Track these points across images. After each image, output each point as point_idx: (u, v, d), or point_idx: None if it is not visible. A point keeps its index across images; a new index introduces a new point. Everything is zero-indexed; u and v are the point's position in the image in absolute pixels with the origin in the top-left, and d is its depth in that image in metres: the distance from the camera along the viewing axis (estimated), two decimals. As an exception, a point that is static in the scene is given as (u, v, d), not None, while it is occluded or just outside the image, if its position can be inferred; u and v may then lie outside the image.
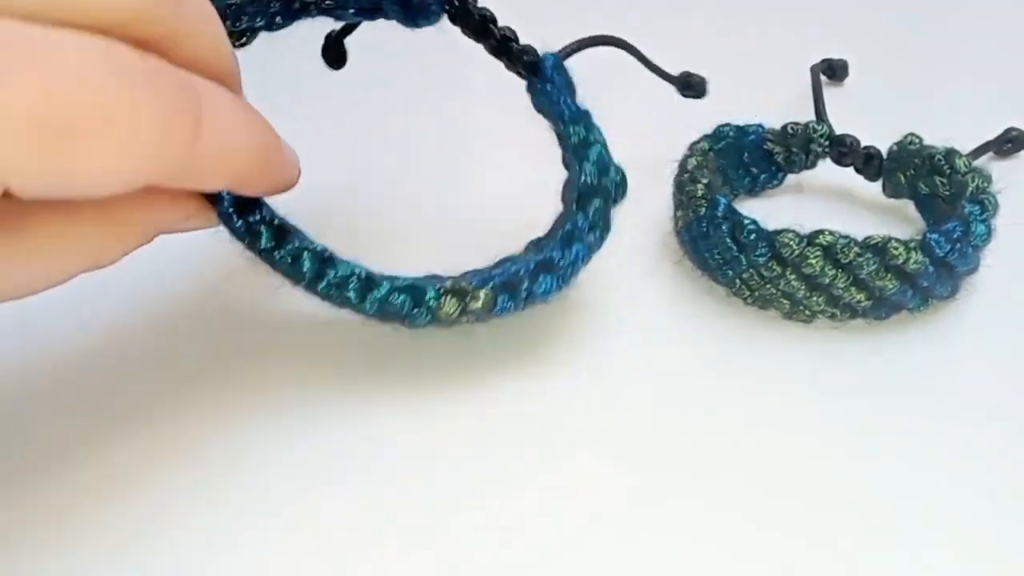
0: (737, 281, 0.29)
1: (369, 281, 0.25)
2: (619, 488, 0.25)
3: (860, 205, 0.34)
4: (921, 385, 0.28)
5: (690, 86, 0.37)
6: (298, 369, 0.28)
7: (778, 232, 0.28)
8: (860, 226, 0.33)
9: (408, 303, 0.25)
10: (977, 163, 0.33)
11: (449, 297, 0.25)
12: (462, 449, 0.26)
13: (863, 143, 0.33)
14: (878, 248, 0.27)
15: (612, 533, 0.24)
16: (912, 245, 0.27)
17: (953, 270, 0.28)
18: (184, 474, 0.25)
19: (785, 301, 0.29)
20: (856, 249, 0.27)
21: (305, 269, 0.25)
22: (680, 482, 0.25)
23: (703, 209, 0.30)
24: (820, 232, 0.28)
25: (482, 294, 0.26)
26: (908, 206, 0.33)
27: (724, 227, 0.29)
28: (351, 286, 0.25)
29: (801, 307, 0.29)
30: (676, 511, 0.24)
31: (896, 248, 0.27)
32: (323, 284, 0.25)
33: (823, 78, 0.42)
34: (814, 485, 0.25)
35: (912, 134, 0.32)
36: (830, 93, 0.42)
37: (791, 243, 0.28)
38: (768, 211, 0.34)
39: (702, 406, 0.27)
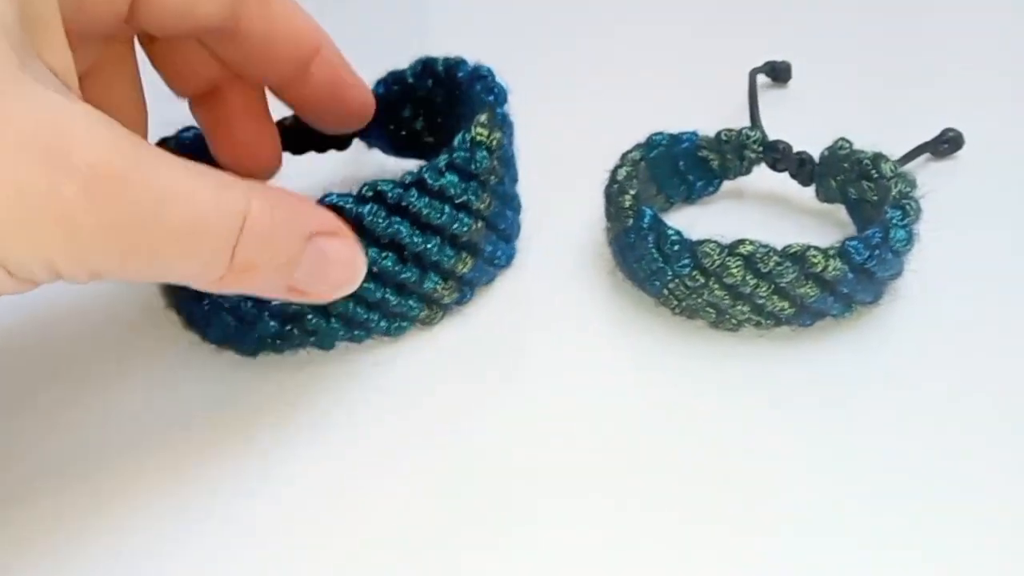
0: (665, 291, 0.29)
1: None
2: (547, 490, 0.25)
3: (796, 210, 0.34)
4: (845, 391, 0.28)
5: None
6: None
7: (700, 243, 0.28)
8: (795, 231, 0.34)
9: None
10: (909, 166, 0.34)
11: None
12: (389, 463, 0.26)
13: (804, 146, 0.33)
14: (797, 256, 0.27)
15: (540, 534, 0.24)
16: (831, 253, 0.27)
17: (874, 276, 0.28)
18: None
19: (711, 310, 0.29)
20: (776, 258, 0.27)
21: None
22: (607, 485, 0.25)
23: (630, 220, 0.30)
24: (740, 242, 0.28)
25: None
26: (841, 210, 0.33)
27: (650, 238, 0.29)
28: None
29: (727, 316, 0.29)
30: (603, 514, 0.24)
31: (815, 256, 0.27)
32: None
33: (768, 80, 0.43)
34: (739, 489, 0.25)
35: (842, 139, 0.32)
36: (775, 96, 0.42)
37: (712, 253, 0.28)
38: (706, 218, 0.35)
39: (631, 413, 0.27)
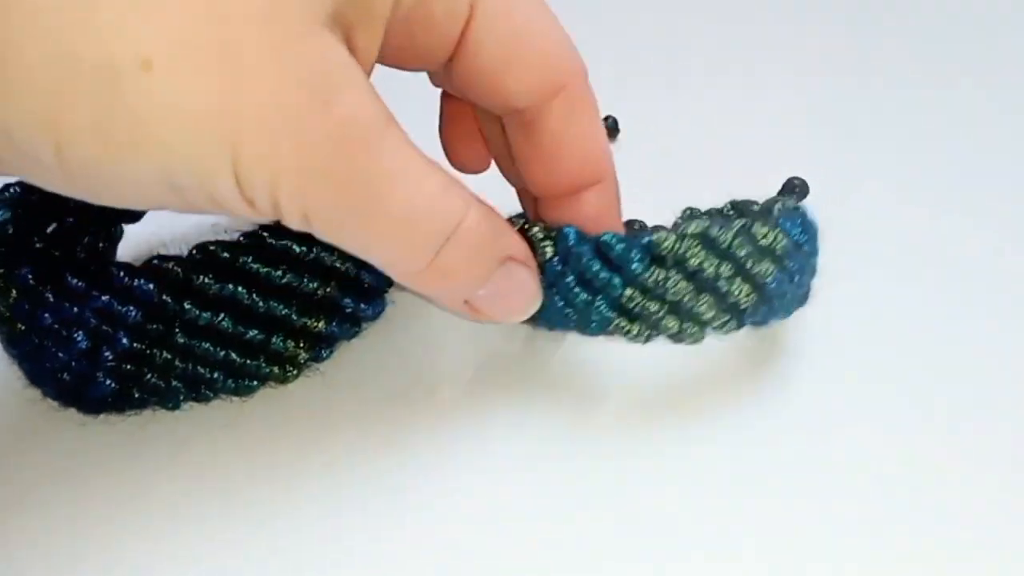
0: (613, 315, 0.27)
1: None
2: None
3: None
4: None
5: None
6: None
7: (647, 234, 0.26)
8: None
9: None
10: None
11: None
12: (227, 530, 0.26)
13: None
14: (747, 230, 0.26)
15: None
16: (771, 225, 0.26)
17: (807, 255, 0.27)
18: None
19: (672, 318, 0.27)
20: (732, 231, 0.26)
21: None
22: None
23: (548, 249, 0.27)
24: (688, 223, 0.26)
25: None
26: None
27: (583, 253, 0.27)
28: None
29: (690, 320, 0.27)
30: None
31: (761, 229, 0.26)
32: None
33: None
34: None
35: (689, 208, 0.30)
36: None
37: (667, 241, 0.26)
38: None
39: (501, 493, 0.27)
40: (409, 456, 0.28)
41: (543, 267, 0.27)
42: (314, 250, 0.28)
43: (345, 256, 0.29)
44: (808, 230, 0.27)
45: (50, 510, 0.26)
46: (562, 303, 0.28)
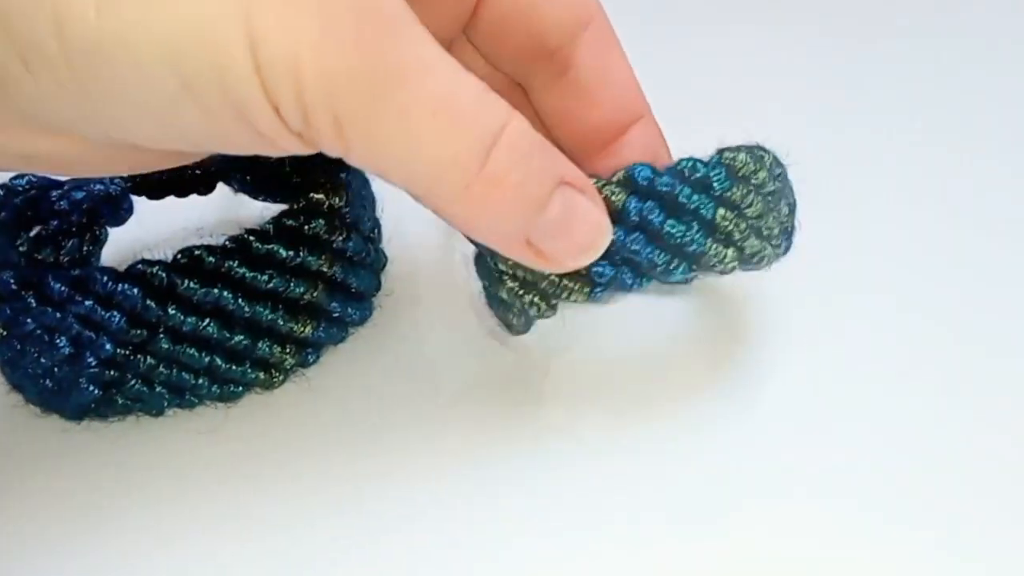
0: (708, 240, 0.26)
1: None
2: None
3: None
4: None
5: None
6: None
7: (718, 154, 0.26)
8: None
9: None
10: None
11: None
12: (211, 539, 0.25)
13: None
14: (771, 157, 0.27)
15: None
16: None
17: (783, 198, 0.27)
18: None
19: (754, 237, 0.27)
20: (770, 155, 0.26)
21: None
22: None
23: (619, 194, 0.26)
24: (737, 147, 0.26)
25: None
26: None
27: (667, 181, 0.26)
28: None
29: (763, 238, 0.27)
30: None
31: (774, 159, 0.27)
32: None
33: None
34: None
35: None
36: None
37: (739, 156, 0.26)
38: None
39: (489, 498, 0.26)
40: (397, 461, 0.27)
41: (618, 216, 0.26)
42: (301, 254, 0.27)
43: (333, 260, 0.28)
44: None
45: (31, 516, 0.26)
46: (651, 246, 0.26)
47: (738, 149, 0.26)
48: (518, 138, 0.21)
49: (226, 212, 0.34)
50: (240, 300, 0.27)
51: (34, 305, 0.26)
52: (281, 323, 0.28)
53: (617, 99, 0.27)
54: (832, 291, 0.32)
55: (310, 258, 0.28)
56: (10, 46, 0.19)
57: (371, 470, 0.27)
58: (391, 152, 0.21)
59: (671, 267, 0.26)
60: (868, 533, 0.25)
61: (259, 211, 0.31)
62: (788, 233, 0.28)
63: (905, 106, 0.40)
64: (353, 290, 0.29)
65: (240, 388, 0.28)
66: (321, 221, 0.28)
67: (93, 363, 0.26)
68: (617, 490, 0.26)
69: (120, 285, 0.26)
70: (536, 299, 0.27)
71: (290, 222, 0.27)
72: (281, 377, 0.29)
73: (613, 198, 0.26)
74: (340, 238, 0.28)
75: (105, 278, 0.26)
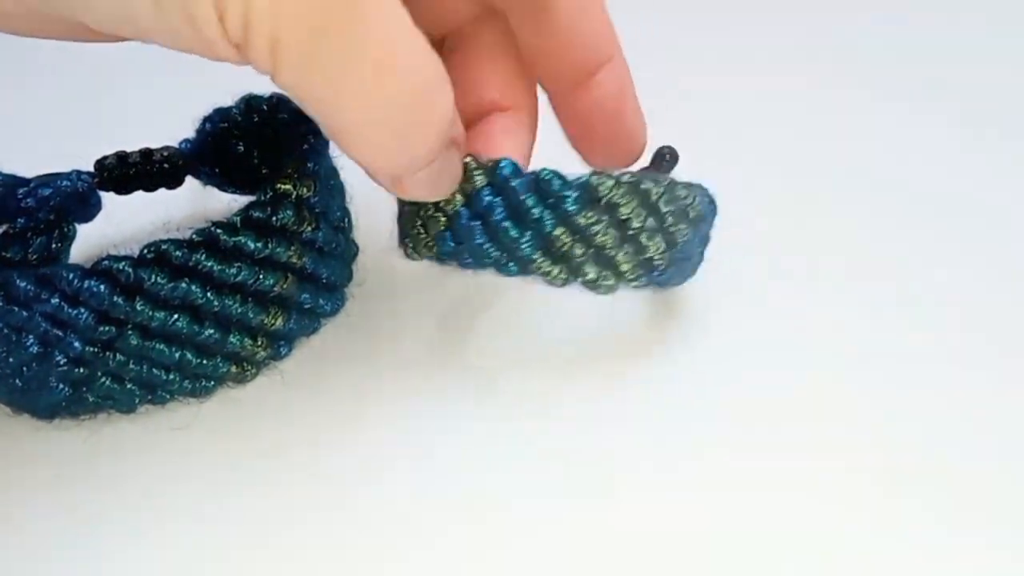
0: (537, 254, 0.27)
1: None
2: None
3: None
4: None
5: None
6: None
7: (591, 175, 0.27)
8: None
9: None
10: None
11: None
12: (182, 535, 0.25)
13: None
14: (671, 188, 0.27)
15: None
16: (691, 188, 0.28)
17: (710, 229, 0.29)
18: None
19: (592, 265, 0.27)
20: (661, 187, 0.27)
21: None
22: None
23: (480, 178, 0.27)
24: (623, 173, 0.27)
25: None
26: None
27: (521, 185, 0.26)
28: None
29: (607, 270, 0.27)
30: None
31: (682, 190, 0.27)
32: None
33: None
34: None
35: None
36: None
37: (605, 183, 0.26)
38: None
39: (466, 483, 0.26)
40: (371, 453, 0.27)
41: (472, 197, 0.27)
42: (269, 245, 0.27)
43: (302, 251, 0.28)
44: (713, 203, 0.28)
45: (4, 516, 0.26)
46: (484, 238, 0.27)
47: (615, 178, 0.26)
48: (441, 116, 0.23)
49: (194, 206, 0.34)
50: (209, 294, 0.27)
51: (0, 305, 0.26)
52: (251, 316, 0.28)
53: (591, 39, 0.28)
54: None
55: (279, 249, 0.27)
56: None
57: (346, 462, 0.27)
58: (316, 89, 0.22)
59: (501, 263, 0.28)
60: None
61: (227, 204, 0.31)
62: (656, 269, 0.28)
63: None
64: (324, 281, 0.29)
65: (212, 383, 0.28)
66: (289, 212, 0.27)
67: (62, 361, 0.26)
68: (597, 478, 0.26)
69: (86, 282, 0.26)
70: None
71: (257, 214, 0.27)
72: (253, 370, 0.29)
73: (474, 180, 0.27)
74: (309, 228, 0.28)
75: (71, 275, 0.26)
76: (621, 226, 0.27)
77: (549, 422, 0.28)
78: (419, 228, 0.28)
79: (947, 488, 0.25)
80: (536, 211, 0.27)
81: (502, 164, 0.27)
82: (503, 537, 0.25)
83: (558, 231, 0.27)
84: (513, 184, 0.26)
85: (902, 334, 0.30)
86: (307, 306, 0.29)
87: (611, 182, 0.26)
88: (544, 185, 0.26)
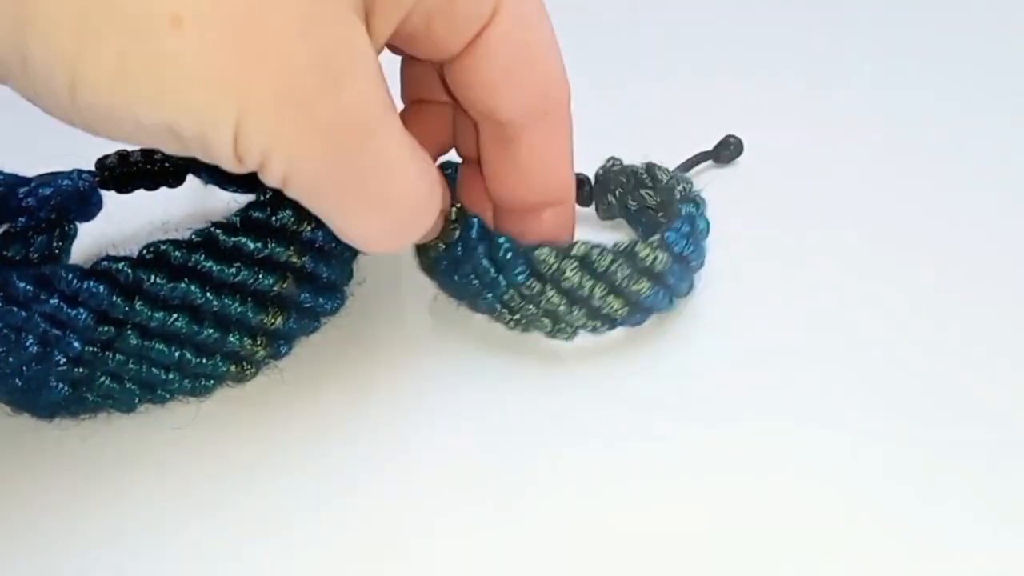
0: (498, 305, 0.29)
1: None
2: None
3: (580, 230, 0.32)
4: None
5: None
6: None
7: (533, 249, 0.28)
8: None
9: None
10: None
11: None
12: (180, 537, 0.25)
13: (578, 169, 0.31)
14: (629, 253, 0.28)
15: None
16: (655, 245, 0.28)
17: (689, 264, 0.29)
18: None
19: (547, 320, 0.29)
20: (610, 256, 0.27)
21: None
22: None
23: (457, 232, 0.29)
24: (573, 244, 0.28)
25: None
26: (622, 224, 0.34)
27: (480, 249, 0.28)
28: None
29: (563, 324, 0.29)
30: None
31: (643, 250, 0.28)
32: None
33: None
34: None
35: (612, 157, 0.33)
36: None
37: (548, 259, 0.27)
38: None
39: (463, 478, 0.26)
40: (371, 452, 0.27)
41: (449, 246, 0.29)
42: (268, 245, 0.27)
43: (302, 251, 0.28)
44: (694, 240, 0.29)
45: (3, 516, 0.26)
46: (459, 283, 0.29)
47: (562, 251, 0.27)
48: (434, 214, 0.26)
49: (194, 205, 0.34)
50: (208, 293, 0.27)
51: (0, 305, 0.26)
52: (251, 315, 0.28)
53: (548, 182, 0.28)
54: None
55: (278, 249, 0.27)
56: (26, 82, 0.21)
57: (345, 461, 0.27)
58: (322, 207, 0.25)
59: (473, 308, 0.30)
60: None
61: (227, 203, 0.31)
62: (618, 321, 0.29)
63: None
64: (324, 280, 0.29)
65: (212, 382, 0.28)
66: (288, 212, 0.27)
67: (62, 361, 0.26)
68: (597, 478, 0.26)
69: (85, 282, 0.26)
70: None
71: (257, 214, 0.27)
72: (253, 370, 0.29)
73: (451, 226, 0.29)
74: (309, 228, 0.28)
75: (70, 276, 0.26)
76: (568, 293, 0.28)
77: (549, 422, 0.28)
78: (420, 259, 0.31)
79: (947, 488, 0.25)
80: (491, 275, 0.28)
81: (471, 221, 0.28)
82: (503, 537, 0.25)
83: (509, 294, 0.28)
84: (474, 245, 0.28)
85: (902, 334, 0.30)
86: (307, 305, 0.29)
87: (552, 258, 0.27)
88: (497, 252, 0.28)
